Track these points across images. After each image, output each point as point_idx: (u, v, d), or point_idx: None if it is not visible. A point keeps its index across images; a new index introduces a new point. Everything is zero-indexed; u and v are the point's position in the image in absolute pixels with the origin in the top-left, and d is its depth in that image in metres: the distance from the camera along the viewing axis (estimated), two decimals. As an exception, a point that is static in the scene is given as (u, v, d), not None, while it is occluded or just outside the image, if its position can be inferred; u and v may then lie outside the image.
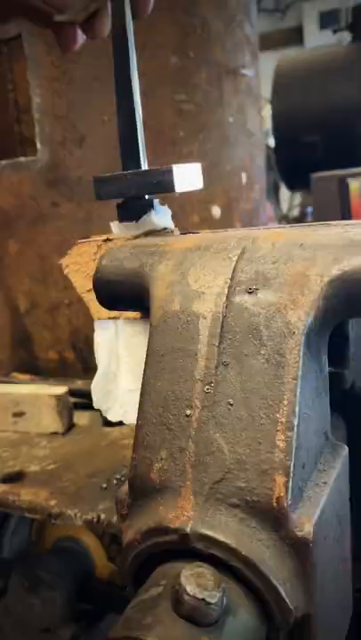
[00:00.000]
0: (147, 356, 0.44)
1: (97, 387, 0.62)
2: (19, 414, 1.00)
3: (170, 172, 0.53)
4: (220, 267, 0.44)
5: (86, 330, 1.19)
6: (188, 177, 0.56)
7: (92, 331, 0.61)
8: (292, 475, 0.37)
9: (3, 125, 1.34)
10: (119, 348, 0.60)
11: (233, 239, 0.46)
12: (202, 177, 0.59)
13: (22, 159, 1.16)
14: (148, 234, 0.56)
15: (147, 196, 0.56)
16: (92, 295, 0.54)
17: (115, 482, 0.81)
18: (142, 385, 0.44)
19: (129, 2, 0.53)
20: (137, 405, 0.44)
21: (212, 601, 0.33)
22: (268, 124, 3.31)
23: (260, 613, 0.36)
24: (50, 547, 1.11)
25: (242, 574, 0.36)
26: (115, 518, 0.72)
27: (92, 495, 0.79)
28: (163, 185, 0.54)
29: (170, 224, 0.58)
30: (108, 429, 1.00)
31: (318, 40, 6.36)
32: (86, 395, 1.04)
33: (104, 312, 0.59)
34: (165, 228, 0.57)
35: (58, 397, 0.98)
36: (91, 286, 0.57)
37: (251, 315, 0.41)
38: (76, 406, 1.06)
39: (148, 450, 0.42)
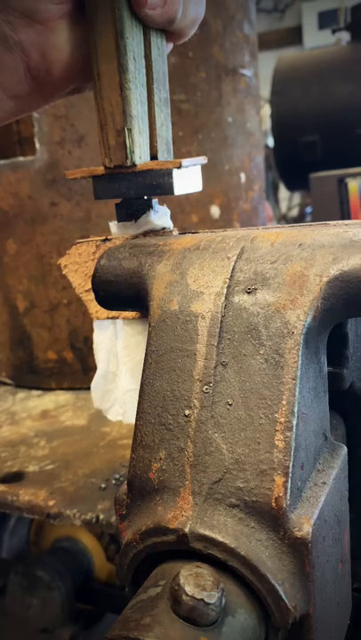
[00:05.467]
0: (145, 355, 0.44)
1: (97, 386, 0.62)
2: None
3: (169, 174, 0.53)
4: (219, 266, 0.44)
5: (85, 330, 1.19)
6: (187, 179, 0.56)
7: (91, 331, 0.61)
8: (291, 475, 0.37)
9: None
10: (118, 348, 0.60)
11: (232, 239, 0.46)
12: (201, 179, 0.59)
13: (21, 159, 1.16)
14: (146, 234, 0.56)
15: (145, 196, 0.56)
16: (91, 295, 0.54)
17: (113, 482, 0.81)
18: (141, 385, 0.44)
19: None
20: (136, 405, 0.44)
21: (211, 601, 0.33)
22: (267, 124, 3.31)
23: (259, 613, 0.36)
24: (48, 547, 1.11)
25: (241, 574, 0.36)
26: (113, 518, 0.72)
27: (90, 495, 0.79)
28: (162, 187, 0.53)
29: (169, 224, 0.58)
30: (106, 429, 1.00)
31: (317, 40, 6.37)
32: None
33: (103, 312, 0.58)
34: (164, 228, 0.57)
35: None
36: (89, 286, 0.57)
37: (249, 315, 0.41)
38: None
39: (147, 450, 0.42)
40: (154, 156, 0.55)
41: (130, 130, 0.51)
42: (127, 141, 0.51)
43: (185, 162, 0.53)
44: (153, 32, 0.52)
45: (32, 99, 0.53)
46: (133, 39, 0.51)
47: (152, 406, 0.42)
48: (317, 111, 2.92)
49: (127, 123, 0.51)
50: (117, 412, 0.62)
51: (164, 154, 0.56)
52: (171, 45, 0.56)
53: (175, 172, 0.53)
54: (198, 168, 0.58)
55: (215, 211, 1.23)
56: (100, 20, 0.50)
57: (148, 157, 0.54)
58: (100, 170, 0.54)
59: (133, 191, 0.54)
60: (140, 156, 0.53)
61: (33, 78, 0.51)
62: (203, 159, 0.57)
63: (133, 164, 0.52)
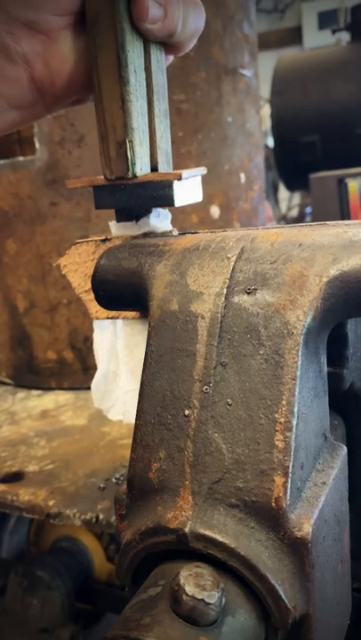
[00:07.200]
0: (145, 355, 0.44)
1: (97, 386, 0.62)
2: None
3: (170, 186, 0.53)
4: (219, 267, 0.44)
5: (85, 330, 1.19)
6: (187, 190, 0.56)
7: (91, 331, 0.61)
8: (290, 475, 0.37)
9: (1, 125, 1.34)
10: (118, 348, 0.60)
11: (232, 239, 0.46)
12: (201, 189, 0.59)
13: (21, 159, 1.16)
14: (146, 234, 0.56)
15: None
16: (91, 295, 0.54)
17: (113, 482, 0.81)
18: (141, 385, 0.44)
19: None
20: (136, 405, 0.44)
21: (211, 601, 0.33)
22: (267, 124, 3.31)
23: (259, 613, 0.36)
24: (48, 547, 1.11)
25: (240, 574, 0.36)
26: (113, 518, 0.72)
27: (90, 495, 0.79)
28: (162, 199, 0.54)
29: (169, 227, 0.58)
30: (106, 429, 1.00)
31: (317, 40, 6.36)
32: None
33: (103, 312, 0.58)
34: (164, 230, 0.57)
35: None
36: (89, 286, 0.57)
37: (249, 315, 0.41)
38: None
39: (147, 450, 0.42)
40: (154, 168, 0.55)
41: (131, 142, 0.51)
42: (128, 153, 0.51)
43: (185, 174, 0.53)
44: (153, 45, 0.52)
45: (35, 109, 0.53)
46: (134, 52, 0.51)
47: (152, 406, 0.42)
48: (317, 111, 2.92)
49: (128, 135, 0.51)
50: (118, 411, 0.62)
51: (164, 165, 0.56)
52: (171, 57, 0.56)
53: (176, 184, 0.53)
54: (198, 179, 0.58)
55: (215, 211, 1.23)
56: (101, 33, 0.50)
57: (148, 169, 0.54)
58: (101, 179, 0.54)
59: (134, 202, 0.54)
60: (141, 168, 0.53)
61: (37, 89, 0.51)
62: (203, 170, 0.58)
63: (134, 176, 0.52)
